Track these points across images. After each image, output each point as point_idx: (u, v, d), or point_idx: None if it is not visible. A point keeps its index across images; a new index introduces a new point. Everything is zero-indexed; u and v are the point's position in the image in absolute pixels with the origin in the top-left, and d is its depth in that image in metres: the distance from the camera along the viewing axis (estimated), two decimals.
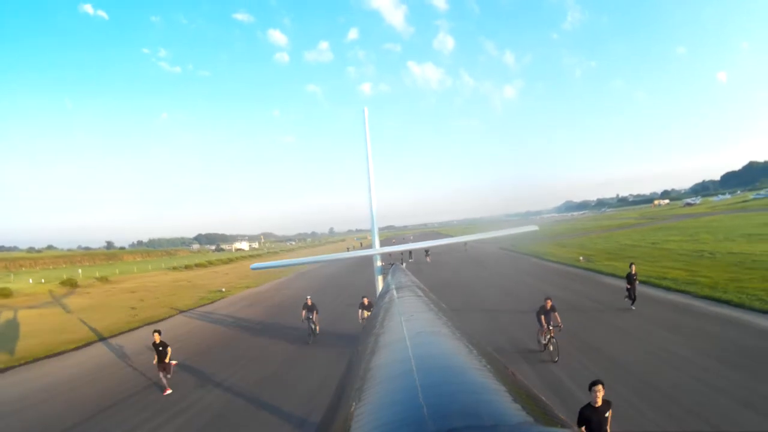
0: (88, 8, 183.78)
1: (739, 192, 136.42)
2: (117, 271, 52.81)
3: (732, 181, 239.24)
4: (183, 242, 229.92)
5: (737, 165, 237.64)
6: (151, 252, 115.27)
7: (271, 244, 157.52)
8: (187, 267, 55.55)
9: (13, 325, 19.50)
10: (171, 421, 8.16)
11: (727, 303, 13.15)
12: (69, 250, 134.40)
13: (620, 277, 18.92)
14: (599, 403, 4.83)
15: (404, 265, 29.17)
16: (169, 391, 9.80)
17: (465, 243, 44.62)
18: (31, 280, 45.14)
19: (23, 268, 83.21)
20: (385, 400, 1.36)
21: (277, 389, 9.25)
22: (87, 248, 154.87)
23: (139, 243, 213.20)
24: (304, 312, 13.52)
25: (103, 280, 43.54)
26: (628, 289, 13.96)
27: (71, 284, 38.94)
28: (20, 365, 13.18)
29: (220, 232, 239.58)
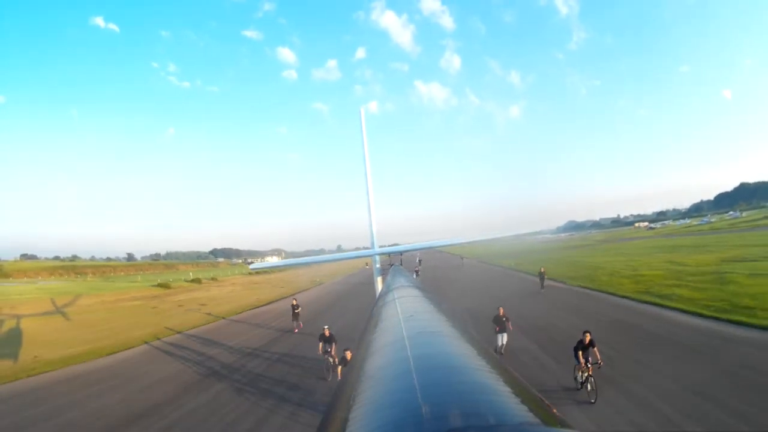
0: (99, 21, 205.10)
1: (708, 215, 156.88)
2: (211, 275, 75.76)
3: (725, 201, 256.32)
4: (199, 256, 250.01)
5: (734, 184, 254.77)
6: (200, 263, 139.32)
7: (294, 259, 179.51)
8: (258, 273, 78.54)
9: (227, 296, 42.32)
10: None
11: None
12: (91, 259, 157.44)
13: (521, 271, 41.55)
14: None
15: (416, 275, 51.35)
16: (296, 331, 20.27)
17: (462, 258, 66.93)
18: (159, 280, 68.31)
19: (112, 274, 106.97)
20: (384, 401, 1.38)
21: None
22: (108, 259, 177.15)
23: (157, 255, 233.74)
24: (321, 344, 12.45)
25: (214, 279, 66.60)
26: (540, 279, 28.63)
27: (198, 281, 62.19)
28: (269, 303, 35.87)
29: (232, 246, 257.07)
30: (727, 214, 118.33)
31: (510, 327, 13.42)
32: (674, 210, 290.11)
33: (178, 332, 23.18)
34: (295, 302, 21.81)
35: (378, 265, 11.20)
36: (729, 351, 12.06)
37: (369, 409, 1.37)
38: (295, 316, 21.17)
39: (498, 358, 1.84)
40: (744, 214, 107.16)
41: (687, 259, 33.93)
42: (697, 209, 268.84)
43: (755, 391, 9.14)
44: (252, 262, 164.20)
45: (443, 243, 13.94)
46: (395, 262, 10.69)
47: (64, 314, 30.96)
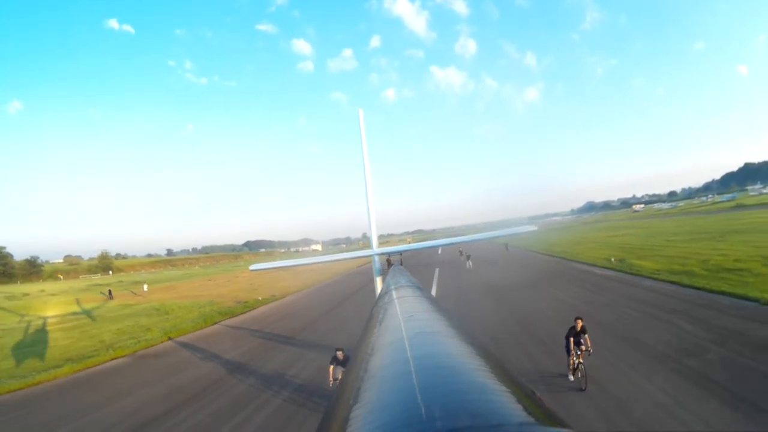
0: (113, 23, 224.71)
1: (699, 196, 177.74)
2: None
3: (730, 181, 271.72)
4: (234, 248, 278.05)
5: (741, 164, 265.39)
6: (258, 254, 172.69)
7: (331, 248, 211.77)
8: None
9: (326, 268, 72.04)
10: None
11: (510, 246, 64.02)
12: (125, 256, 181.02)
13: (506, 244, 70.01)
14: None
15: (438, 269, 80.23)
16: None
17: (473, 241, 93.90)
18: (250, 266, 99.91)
19: (196, 264, 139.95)
20: (384, 402, 1.41)
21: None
22: (149, 255, 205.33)
23: (194, 250, 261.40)
24: (331, 368, 10.60)
25: None
26: (505, 246, 62.04)
27: None
28: (359, 267, 65.39)
29: (264, 238, 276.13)
30: (699, 199, 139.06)
31: (469, 260, 41.99)
32: (689, 188, 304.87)
33: (334, 278, 52.69)
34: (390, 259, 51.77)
35: (378, 265, 11.61)
36: (540, 262, 40.51)
37: (369, 409, 1.41)
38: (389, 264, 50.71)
39: (498, 358, 1.99)
40: (710, 199, 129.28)
41: (594, 235, 61.49)
42: (706, 189, 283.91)
43: (535, 268, 37.48)
44: (298, 251, 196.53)
45: (443, 243, 13.93)
46: (395, 261, 11.14)
47: (247, 280, 61.24)
